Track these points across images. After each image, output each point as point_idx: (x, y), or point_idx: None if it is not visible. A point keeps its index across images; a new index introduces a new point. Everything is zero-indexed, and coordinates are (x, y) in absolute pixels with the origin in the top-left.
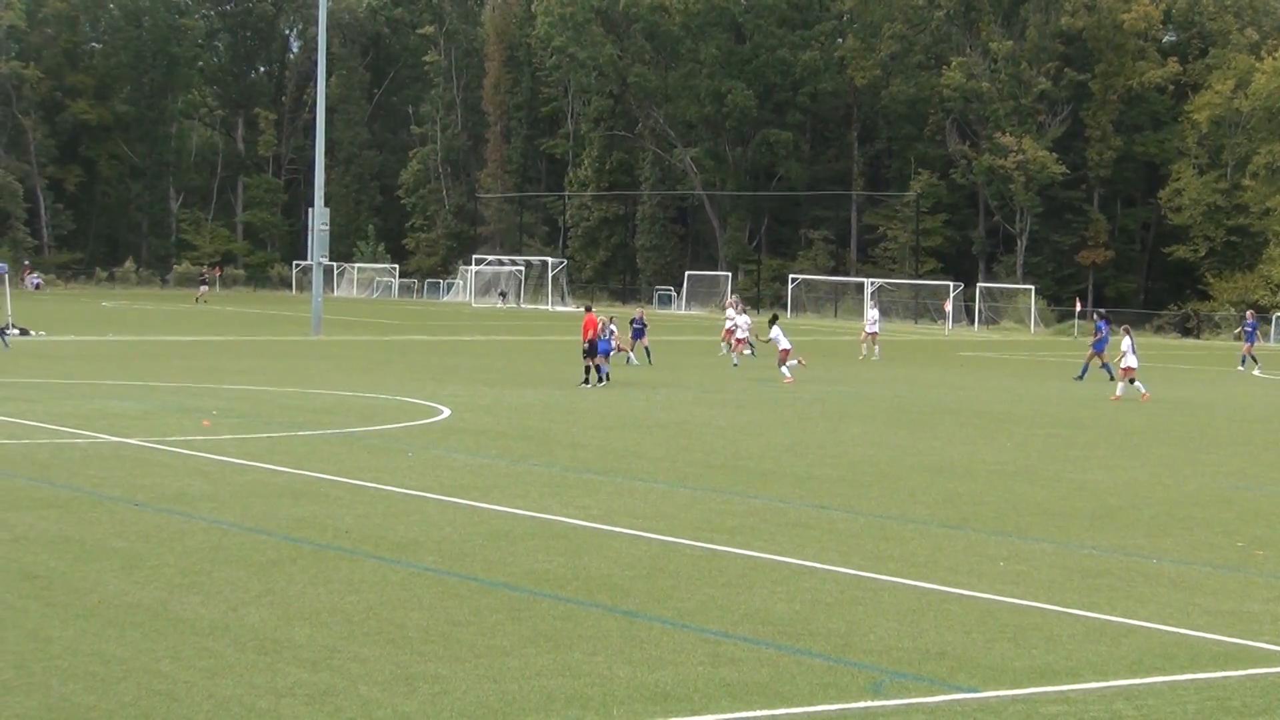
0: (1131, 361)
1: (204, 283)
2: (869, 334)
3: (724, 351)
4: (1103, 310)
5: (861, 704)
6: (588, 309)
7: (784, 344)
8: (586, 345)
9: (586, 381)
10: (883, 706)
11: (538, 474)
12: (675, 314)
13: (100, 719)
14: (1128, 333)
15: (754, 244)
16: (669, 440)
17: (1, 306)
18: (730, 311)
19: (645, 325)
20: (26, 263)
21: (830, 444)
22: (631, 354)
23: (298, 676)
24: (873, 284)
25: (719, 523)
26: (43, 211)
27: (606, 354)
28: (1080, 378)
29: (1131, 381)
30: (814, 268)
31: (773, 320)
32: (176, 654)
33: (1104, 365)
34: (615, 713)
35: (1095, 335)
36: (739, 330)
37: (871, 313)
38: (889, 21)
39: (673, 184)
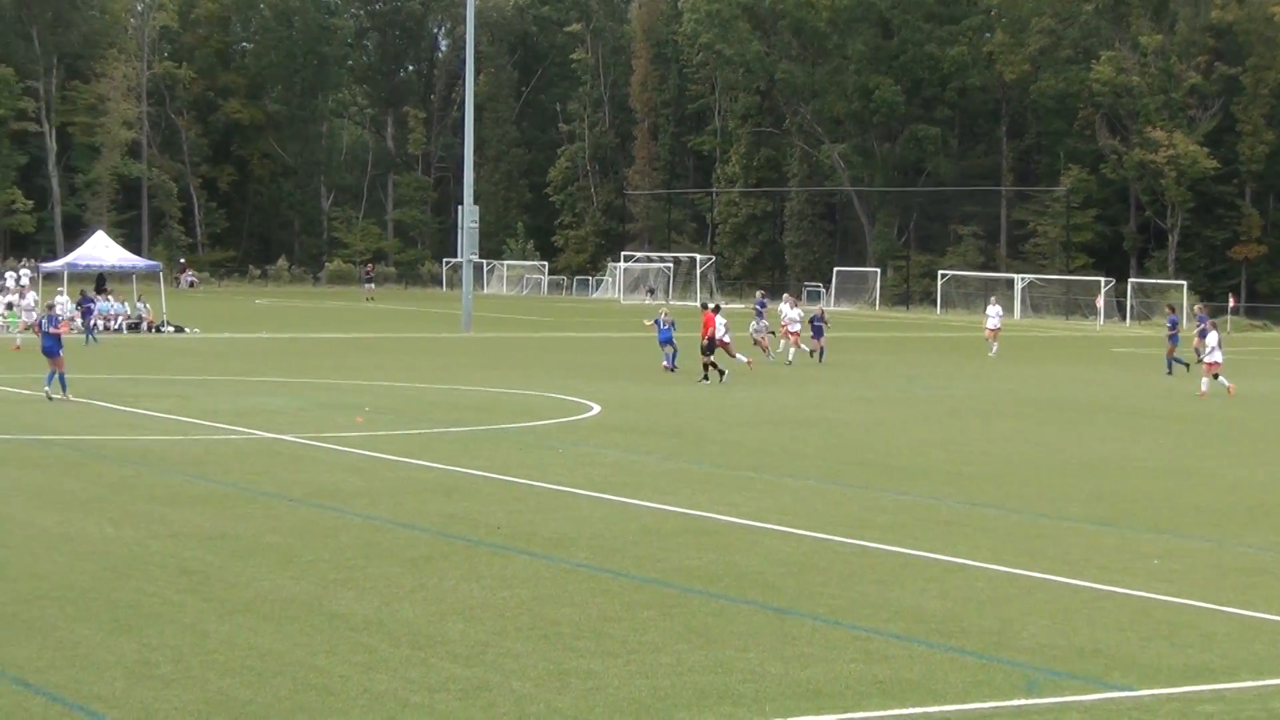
0: (1217, 356)
1: (370, 281)
2: (991, 330)
3: (781, 349)
4: (1173, 304)
5: (1015, 702)
6: (704, 306)
7: (726, 336)
8: (705, 343)
9: (706, 378)
10: (1036, 705)
11: (688, 471)
12: (824, 310)
13: (256, 713)
14: (1214, 328)
15: (903, 240)
16: (819, 437)
17: (156, 304)
18: (784, 307)
19: (826, 323)
20: (181, 261)
21: (981, 441)
22: (764, 351)
23: (451, 672)
24: (1023, 280)
25: (870, 519)
26: (196, 210)
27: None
28: (1169, 372)
29: (1215, 377)
30: (963, 264)
31: (715, 309)
32: (332, 649)
33: (1174, 359)
34: (767, 709)
35: (1169, 330)
36: (793, 325)
37: (993, 309)
38: (1037, 16)
39: (820, 180)
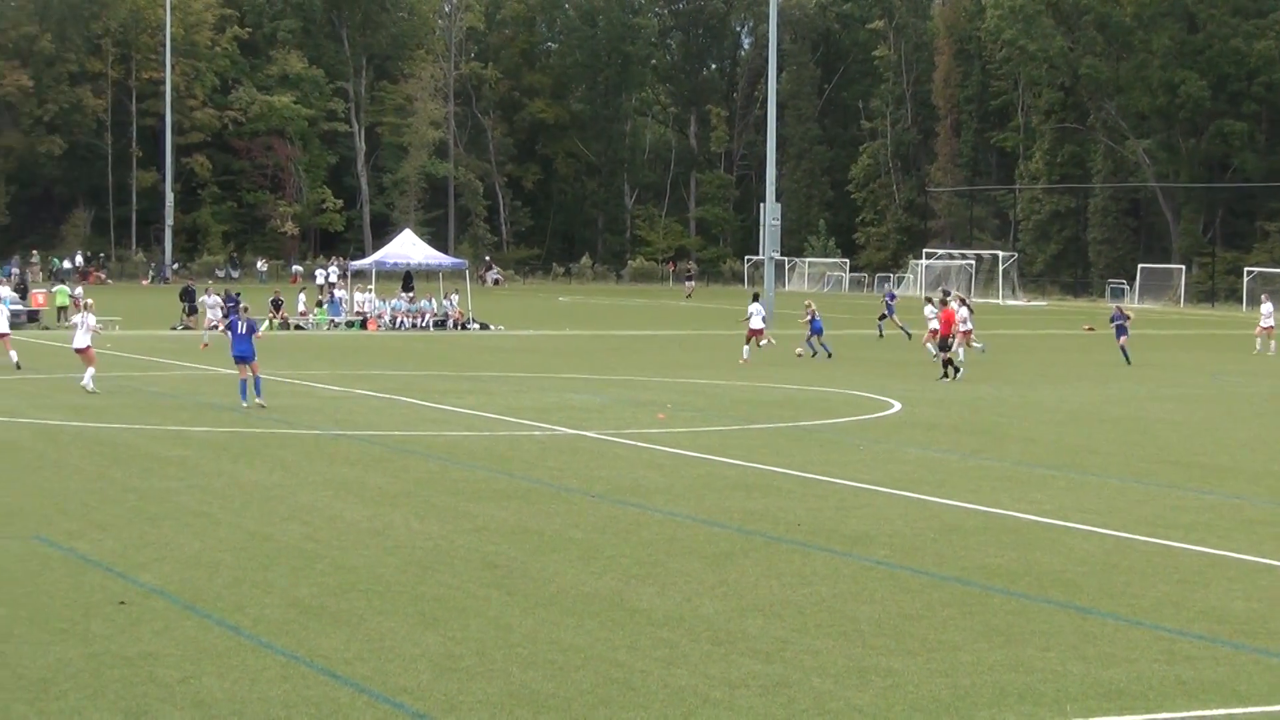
0: None
1: (690, 278)
2: (1264, 329)
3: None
4: None
5: None
6: (944, 303)
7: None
8: (944, 340)
9: (946, 376)
10: None
11: (989, 468)
12: (1128, 307)
13: (558, 706)
14: None
15: (1208, 236)
16: (1122, 435)
17: (463, 302)
18: (928, 309)
19: (1128, 317)
20: (486, 258)
21: None
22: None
23: (751, 668)
24: None
25: (1173, 518)
26: (501, 209)
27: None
28: None
29: None
30: (1271, 260)
31: (961, 302)
32: (633, 644)
33: None
34: (1068, 709)
35: None
36: (966, 323)
37: (1266, 306)
38: None
39: (1125, 176)
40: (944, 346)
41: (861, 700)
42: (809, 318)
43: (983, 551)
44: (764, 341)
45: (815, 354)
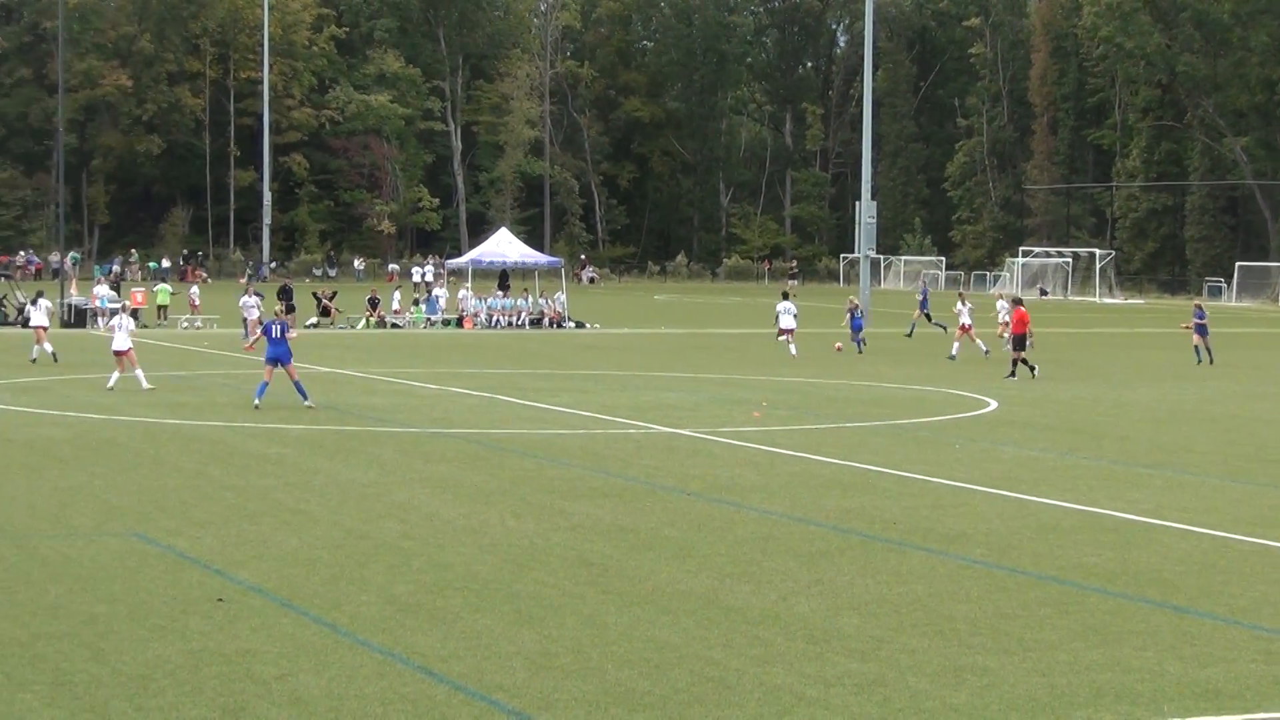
0: None
1: (794, 277)
2: None
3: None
4: None
5: None
6: (1018, 302)
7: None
8: (1016, 338)
9: (1013, 374)
10: None
11: (1086, 467)
12: (1226, 306)
13: (653, 704)
14: None
15: None
16: (1220, 434)
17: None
18: (960, 305)
19: (1205, 317)
20: (582, 257)
21: None
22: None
23: (846, 666)
24: None
25: (1272, 518)
26: (597, 207)
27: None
28: None
29: None
30: None
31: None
32: (728, 642)
33: None
34: (1166, 709)
35: None
36: (1002, 314)
37: None
38: None
39: (1222, 174)
40: (1019, 345)
41: (957, 699)
42: (850, 315)
43: (1079, 550)
44: (788, 342)
45: (860, 350)
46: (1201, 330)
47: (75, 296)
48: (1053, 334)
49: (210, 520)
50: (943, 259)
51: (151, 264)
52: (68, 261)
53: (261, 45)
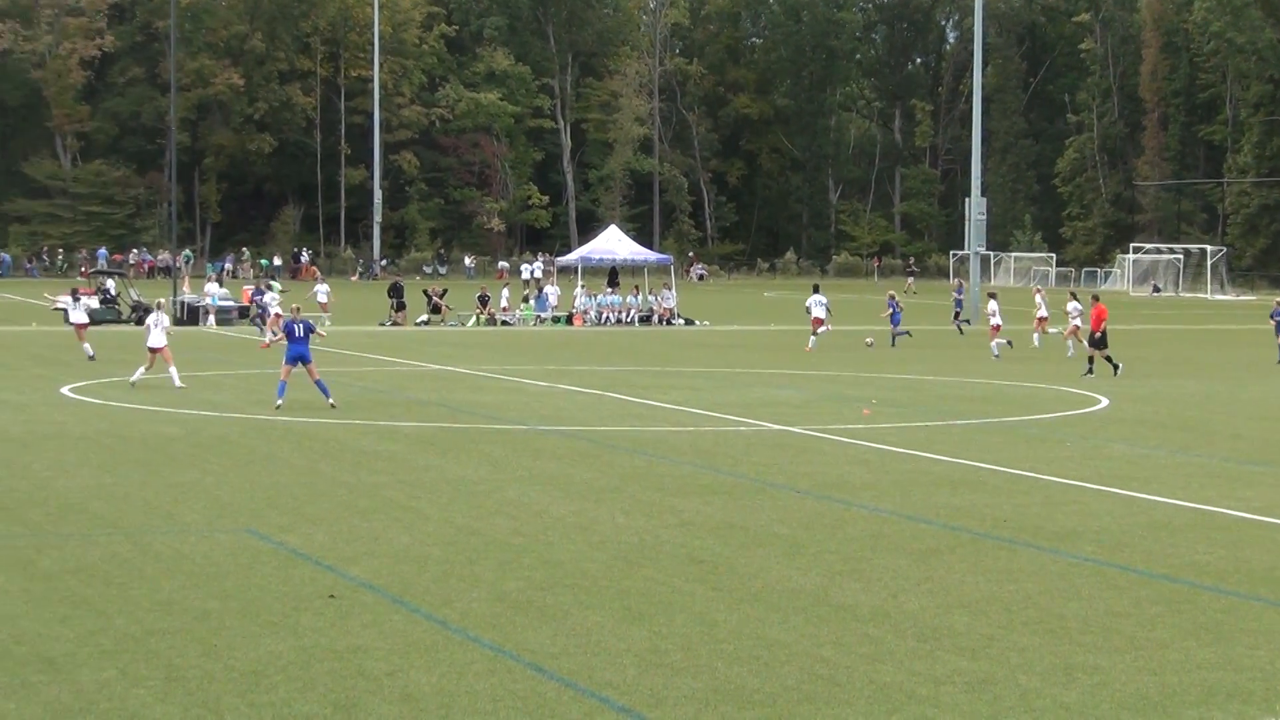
0: None
1: (913, 274)
2: None
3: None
4: None
5: None
6: (1096, 299)
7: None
8: (1097, 335)
9: (1090, 371)
10: None
11: (1197, 464)
12: None
13: (763, 701)
14: None
15: None
16: None
17: (666, 296)
18: (992, 304)
19: None
20: (691, 254)
21: None
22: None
23: (956, 664)
24: None
25: None
26: (706, 204)
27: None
28: None
29: None
30: None
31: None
32: (838, 639)
33: None
34: (1278, 708)
35: None
36: (994, 316)
37: None
38: None
39: None
40: (1095, 343)
41: (1068, 698)
42: (891, 309)
43: (1191, 549)
44: (822, 329)
45: (899, 339)
46: None
47: (188, 294)
48: (1164, 331)
49: (322, 517)
50: (1053, 255)
51: (263, 262)
52: (180, 259)
53: (372, 44)
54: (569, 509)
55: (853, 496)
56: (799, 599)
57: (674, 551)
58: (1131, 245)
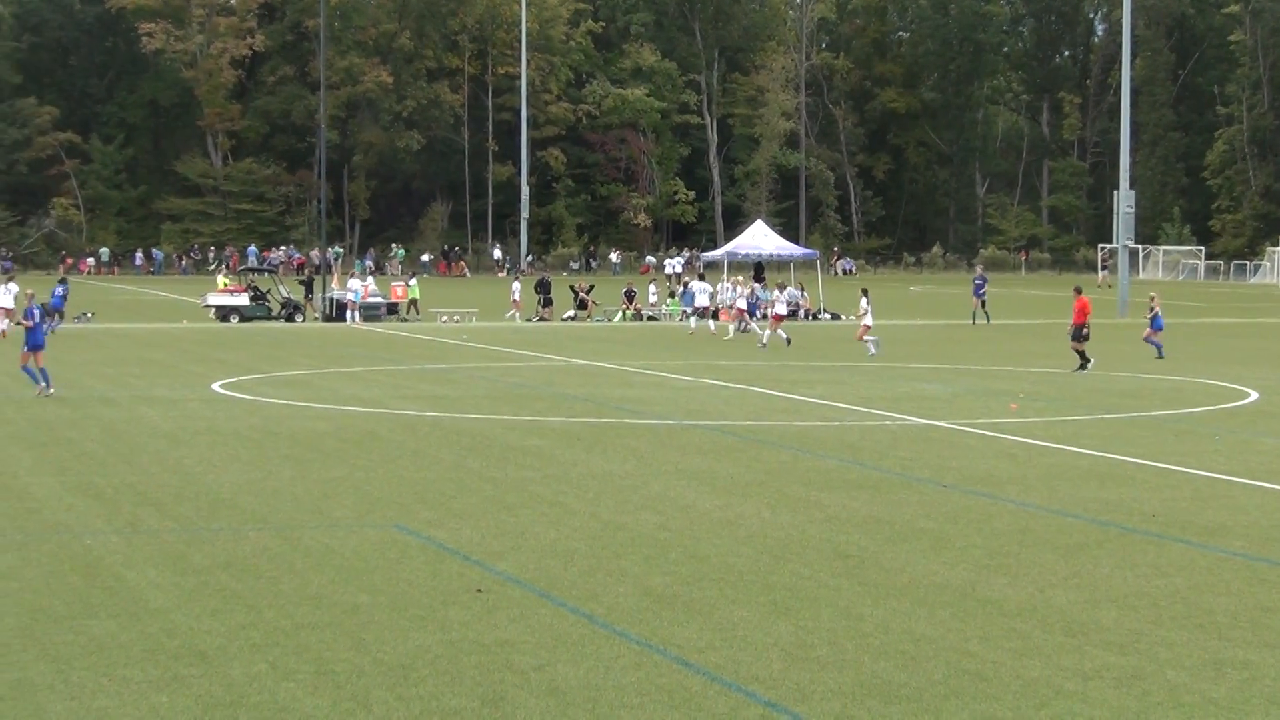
0: None
1: (1105, 268)
2: None
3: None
4: None
5: None
6: (1078, 291)
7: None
8: (1073, 329)
9: (1083, 367)
10: None
11: None
12: None
13: (909, 696)
14: None
15: None
16: None
17: (814, 292)
18: (767, 290)
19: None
20: (835, 249)
21: None
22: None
23: (1104, 659)
24: None
25: None
26: (853, 199)
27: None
28: None
29: None
30: None
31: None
32: (985, 634)
33: None
34: None
35: None
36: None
37: None
38: None
39: None
40: (1074, 335)
41: (1217, 693)
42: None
43: None
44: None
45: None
46: None
47: (336, 290)
48: None
49: (469, 512)
50: (1202, 249)
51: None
52: (330, 256)
53: (519, 41)
54: (715, 504)
55: (999, 491)
56: (945, 594)
57: (820, 546)
58: None
